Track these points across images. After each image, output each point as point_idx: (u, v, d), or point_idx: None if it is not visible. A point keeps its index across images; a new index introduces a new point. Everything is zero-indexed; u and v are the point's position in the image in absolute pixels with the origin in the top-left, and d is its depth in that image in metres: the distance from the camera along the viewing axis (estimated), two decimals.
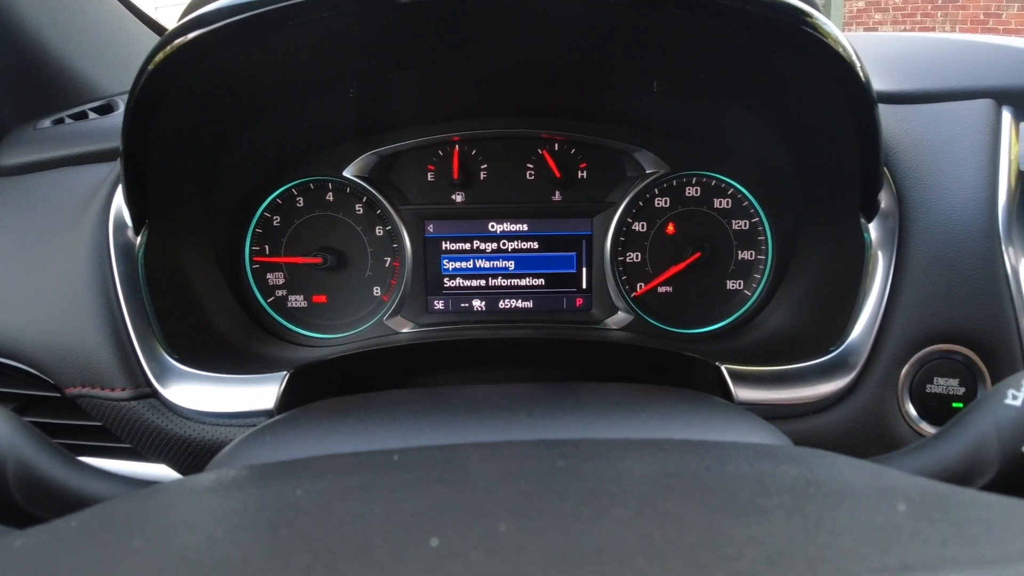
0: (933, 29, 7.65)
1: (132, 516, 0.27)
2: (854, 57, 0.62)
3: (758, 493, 0.27)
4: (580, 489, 0.27)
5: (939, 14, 7.60)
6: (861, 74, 0.63)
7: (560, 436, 0.40)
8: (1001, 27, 7.33)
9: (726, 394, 0.70)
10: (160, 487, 0.32)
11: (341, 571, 0.20)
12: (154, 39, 1.24)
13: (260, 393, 0.70)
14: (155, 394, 0.70)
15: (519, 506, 0.25)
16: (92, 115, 0.97)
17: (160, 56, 0.62)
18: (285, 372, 0.70)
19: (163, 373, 0.70)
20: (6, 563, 0.23)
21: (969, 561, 0.21)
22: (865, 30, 8.01)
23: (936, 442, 0.44)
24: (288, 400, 0.69)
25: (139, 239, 0.73)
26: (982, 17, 7.41)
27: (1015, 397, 0.42)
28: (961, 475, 0.42)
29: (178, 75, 0.65)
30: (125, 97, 1.01)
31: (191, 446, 0.70)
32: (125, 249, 0.73)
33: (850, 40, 0.63)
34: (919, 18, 7.72)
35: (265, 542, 0.22)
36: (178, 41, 0.61)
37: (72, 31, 1.05)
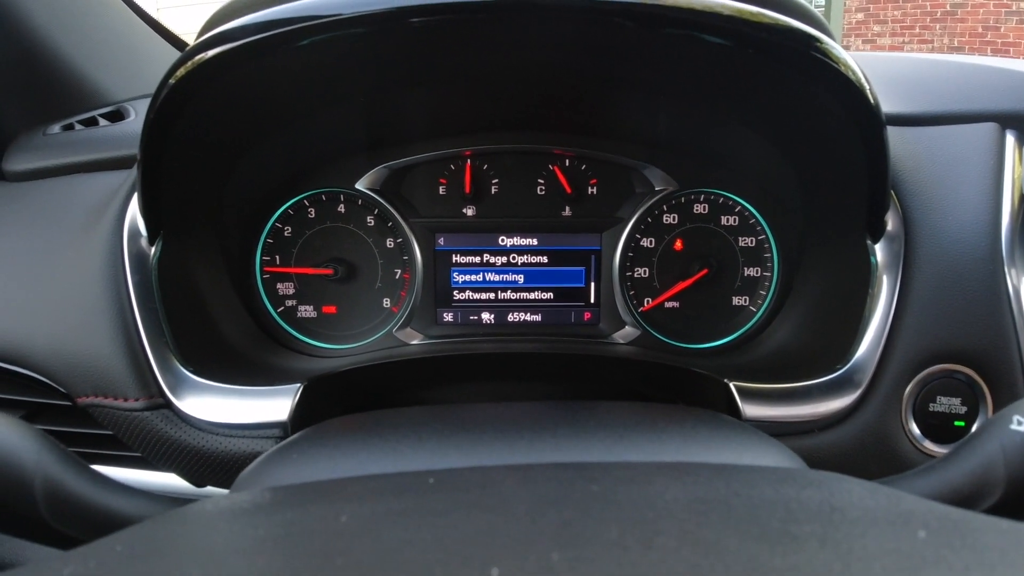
0: (931, 42, 7.71)
1: (178, 540, 0.27)
2: (864, 81, 0.63)
3: (789, 520, 0.28)
4: (619, 516, 0.28)
5: (938, 27, 7.66)
6: (871, 98, 0.64)
7: (584, 458, 0.41)
8: (999, 40, 7.39)
9: (733, 410, 0.71)
10: (196, 507, 0.32)
11: None
12: (162, 44, 1.25)
13: (273, 405, 0.70)
14: (168, 405, 0.70)
15: (565, 534, 0.26)
16: (103, 121, 0.98)
17: (182, 71, 0.63)
18: (299, 384, 0.71)
19: (176, 384, 0.70)
20: None
21: None
22: (864, 42, 8.07)
23: (944, 464, 0.46)
24: (301, 412, 0.70)
25: (153, 249, 0.73)
26: (980, 30, 7.47)
27: (1020, 423, 0.44)
28: (968, 497, 0.43)
29: (198, 89, 0.65)
30: (135, 103, 1.02)
31: (203, 457, 0.70)
32: (139, 259, 0.73)
33: (858, 62, 0.64)
34: (918, 30, 7.79)
35: (325, 572, 0.23)
36: (199, 56, 0.62)
37: (81, 36, 1.05)
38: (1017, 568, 0.24)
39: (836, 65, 0.62)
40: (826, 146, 0.76)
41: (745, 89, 0.76)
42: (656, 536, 0.25)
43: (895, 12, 7.90)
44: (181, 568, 0.24)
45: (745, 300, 0.93)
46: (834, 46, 0.63)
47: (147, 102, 0.65)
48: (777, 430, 0.70)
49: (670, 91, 0.82)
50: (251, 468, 0.44)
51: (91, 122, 0.98)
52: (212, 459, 0.70)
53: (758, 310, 0.93)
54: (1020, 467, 0.42)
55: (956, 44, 7.52)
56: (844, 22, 8.02)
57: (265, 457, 0.45)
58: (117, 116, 0.99)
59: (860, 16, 8.11)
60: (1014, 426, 0.44)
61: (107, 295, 0.72)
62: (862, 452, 0.70)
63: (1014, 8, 7.22)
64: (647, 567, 0.23)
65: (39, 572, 0.25)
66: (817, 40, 0.62)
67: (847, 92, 0.64)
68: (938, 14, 7.63)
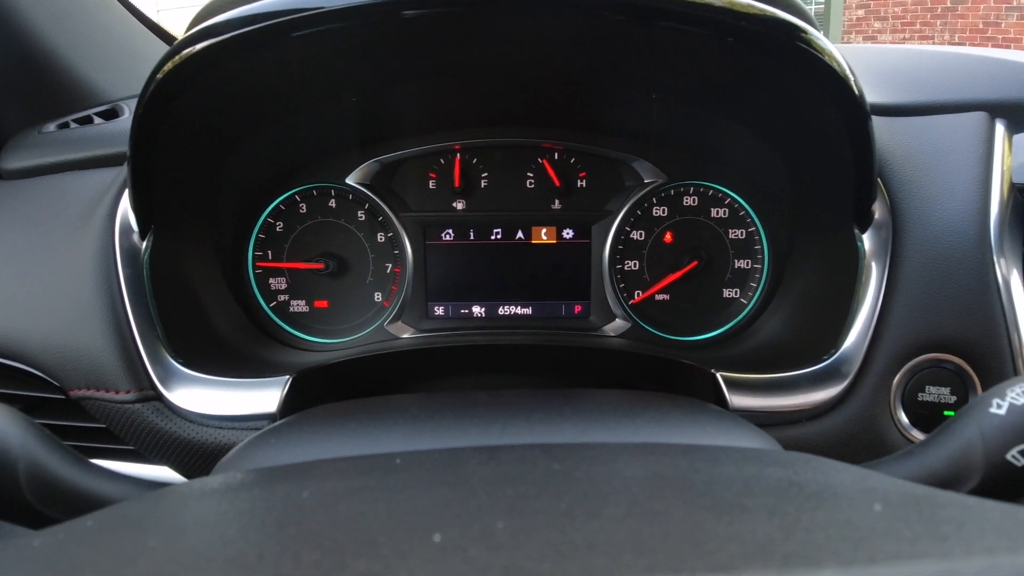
0: (932, 38, 7.68)
1: (146, 516, 0.28)
2: (848, 72, 0.63)
3: (744, 494, 0.28)
4: (574, 490, 0.28)
5: (938, 23, 7.64)
6: (855, 88, 0.64)
7: (556, 440, 0.41)
8: (1000, 36, 7.36)
9: (721, 401, 0.71)
10: (170, 489, 0.33)
11: (349, 565, 0.22)
12: (159, 44, 1.26)
13: (263, 397, 0.71)
14: (159, 397, 0.71)
15: (516, 506, 0.26)
16: (97, 120, 0.99)
17: (169, 65, 0.63)
18: (287, 376, 0.71)
19: (167, 376, 0.71)
20: (26, 562, 0.24)
21: (935, 555, 0.22)
22: (864, 38, 8.05)
23: (923, 448, 0.46)
24: (291, 404, 0.70)
25: (145, 244, 0.74)
26: (981, 26, 7.44)
27: (999, 406, 0.44)
28: (947, 480, 0.43)
29: (187, 84, 0.66)
30: (130, 102, 1.03)
31: (194, 449, 0.71)
32: (130, 253, 0.74)
33: (844, 53, 0.64)
34: (918, 26, 7.76)
35: (276, 539, 0.24)
36: (187, 51, 0.63)
37: (77, 36, 1.06)
38: (968, 540, 0.24)
39: (820, 56, 0.62)
40: (813, 137, 0.76)
41: (733, 82, 0.76)
42: (604, 508, 0.26)
43: (895, 8, 7.87)
44: (144, 539, 0.25)
45: (736, 292, 0.93)
46: (818, 37, 0.63)
47: None
48: (765, 420, 0.70)
49: (659, 85, 0.82)
50: (231, 454, 0.45)
51: (86, 120, 0.99)
52: (202, 451, 0.70)
53: (749, 302, 0.93)
54: (999, 450, 0.42)
55: (957, 40, 7.50)
56: (844, 18, 8.00)
57: (245, 443, 0.46)
58: (111, 114, 1.00)
59: (860, 12, 8.08)
60: (993, 409, 0.44)
61: (99, 289, 0.73)
62: (850, 442, 0.70)
63: (1015, 4, 7.19)
64: (588, 534, 0.23)
65: (10, 545, 0.25)
66: (802, 31, 0.62)
67: (832, 83, 0.64)
68: (939, 10, 7.61)
